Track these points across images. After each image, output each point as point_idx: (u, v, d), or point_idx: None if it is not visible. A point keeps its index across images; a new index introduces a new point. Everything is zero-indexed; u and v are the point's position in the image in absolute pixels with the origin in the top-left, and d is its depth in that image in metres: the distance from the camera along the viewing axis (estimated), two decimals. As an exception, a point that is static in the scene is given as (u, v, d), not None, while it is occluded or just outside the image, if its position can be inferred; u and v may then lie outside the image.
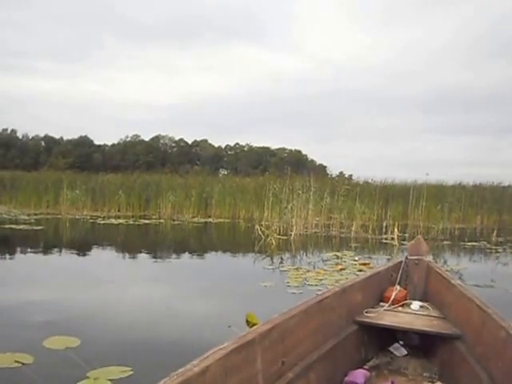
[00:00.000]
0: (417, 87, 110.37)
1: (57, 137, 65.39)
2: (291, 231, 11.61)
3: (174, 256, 8.72)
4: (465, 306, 2.69)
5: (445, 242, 11.42)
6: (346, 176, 24.70)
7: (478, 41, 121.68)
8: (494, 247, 10.48)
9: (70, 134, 67.08)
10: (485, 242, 11.38)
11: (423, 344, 2.92)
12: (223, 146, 73.20)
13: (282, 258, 8.06)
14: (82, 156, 60.39)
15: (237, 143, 74.11)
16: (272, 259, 7.92)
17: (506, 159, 75.01)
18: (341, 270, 6.74)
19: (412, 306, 3.19)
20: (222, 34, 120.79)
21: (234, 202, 18.09)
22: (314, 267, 7.01)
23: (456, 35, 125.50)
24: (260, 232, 10.50)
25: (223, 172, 60.85)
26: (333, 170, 40.94)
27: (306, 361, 2.17)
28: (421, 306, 3.19)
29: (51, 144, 64.06)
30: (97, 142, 66.51)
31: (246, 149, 73.52)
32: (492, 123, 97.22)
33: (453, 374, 2.49)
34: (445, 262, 8.02)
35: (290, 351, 2.05)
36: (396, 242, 10.28)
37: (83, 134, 65.69)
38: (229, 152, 74.18)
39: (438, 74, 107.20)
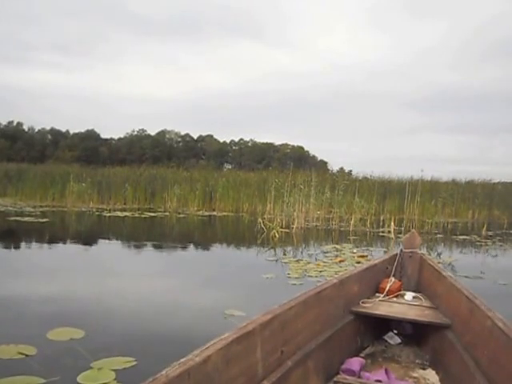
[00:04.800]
0: (410, 86, 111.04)
1: (63, 130, 65.62)
2: (293, 224, 11.76)
3: (179, 248, 8.77)
4: (454, 296, 2.76)
5: (438, 236, 11.61)
6: (346, 172, 24.81)
7: (468, 42, 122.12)
8: (483, 240, 10.67)
9: (76, 127, 67.33)
10: (475, 236, 11.57)
11: (416, 333, 3.00)
12: (228, 142, 73.23)
13: (283, 251, 8.15)
14: (89, 149, 60.35)
15: (241, 139, 74.23)
16: (274, 251, 8.00)
17: (497, 158, 75.52)
18: (340, 262, 6.85)
19: (406, 297, 3.28)
20: (228, 31, 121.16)
21: (237, 195, 18.18)
22: (315, 259, 7.11)
23: (447, 37, 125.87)
24: (262, 225, 10.60)
25: (228, 167, 60.92)
26: (333, 166, 40.94)
27: (305, 350, 2.22)
28: (414, 297, 3.28)
29: (58, 137, 64.11)
30: (103, 136, 66.67)
31: (250, 144, 73.52)
32: (483, 123, 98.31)
33: (443, 362, 2.57)
34: (438, 255, 8.17)
35: (289, 341, 2.10)
36: (392, 235, 10.43)
37: (90, 128, 65.93)
38: (233, 147, 74.19)
39: (429, 73, 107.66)
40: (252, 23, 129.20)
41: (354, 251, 7.99)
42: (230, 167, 59.29)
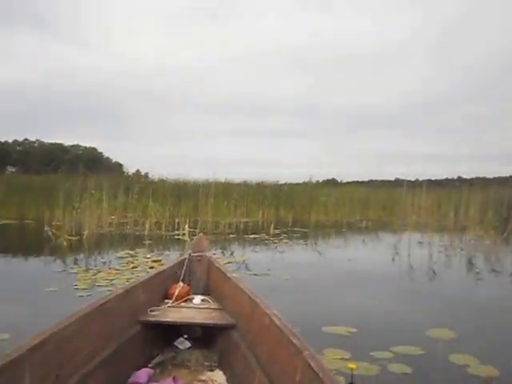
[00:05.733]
0: (214, 91, 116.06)
1: None
2: (84, 231, 11.19)
3: None
4: (239, 297, 2.86)
5: (231, 236, 12.13)
6: (143, 174, 24.51)
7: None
8: (271, 238, 11.42)
9: None
10: (265, 234, 12.32)
11: (205, 335, 3.04)
12: (10, 141, 67.14)
13: (73, 260, 7.72)
14: None
15: (26, 138, 68.75)
16: (63, 262, 7.53)
17: (286, 160, 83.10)
18: (133, 268, 6.72)
19: (194, 301, 3.31)
20: (7, 19, 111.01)
21: (21, 201, 16.67)
22: (107, 267, 6.86)
23: (256, 45, 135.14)
24: (50, 233, 9.95)
25: (11, 169, 55.68)
26: (129, 168, 40.23)
27: (85, 369, 2.06)
28: (202, 300, 3.33)
29: None
30: None
31: (36, 145, 68.54)
32: (274, 128, 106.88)
33: (229, 361, 2.64)
34: (231, 254, 8.59)
35: (66, 362, 1.93)
36: (187, 238, 10.55)
37: None
38: (17, 148, 68.32)
39: (232, 80, 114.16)
40: (40, 15, 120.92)
41: (148, 256, 7.89)
42: (13, 170, 54.30)
